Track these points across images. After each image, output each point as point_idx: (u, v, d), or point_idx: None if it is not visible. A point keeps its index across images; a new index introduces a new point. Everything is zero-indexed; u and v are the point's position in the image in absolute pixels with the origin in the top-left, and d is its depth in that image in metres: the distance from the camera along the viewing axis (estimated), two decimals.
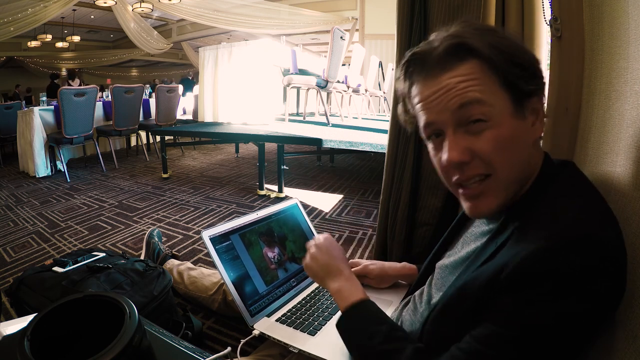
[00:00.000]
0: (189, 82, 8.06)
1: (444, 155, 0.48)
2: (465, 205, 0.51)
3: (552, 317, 0.40)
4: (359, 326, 0.59)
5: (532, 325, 0.40)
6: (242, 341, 0.74)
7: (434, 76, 0.49)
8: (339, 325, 0.62)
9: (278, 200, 2.58)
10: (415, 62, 0.51)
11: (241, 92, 3.71)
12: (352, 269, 0.78)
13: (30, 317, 0.48)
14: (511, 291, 0.42)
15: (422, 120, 0.51)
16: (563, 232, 0.41)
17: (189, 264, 1.37)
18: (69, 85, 4.36)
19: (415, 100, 0.52)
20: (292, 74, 3.59)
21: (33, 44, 9.90)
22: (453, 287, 0.51)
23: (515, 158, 0.48)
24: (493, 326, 0.43)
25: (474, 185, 0.49)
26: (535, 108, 0.49)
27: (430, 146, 0.53)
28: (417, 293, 0.68)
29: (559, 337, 0.40)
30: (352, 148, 2.38)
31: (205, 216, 2.29)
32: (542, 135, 0.51)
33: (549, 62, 0.85)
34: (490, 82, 0.47)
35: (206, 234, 0.84)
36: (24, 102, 5.32)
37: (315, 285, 0.95)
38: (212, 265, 1.28)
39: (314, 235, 1.07)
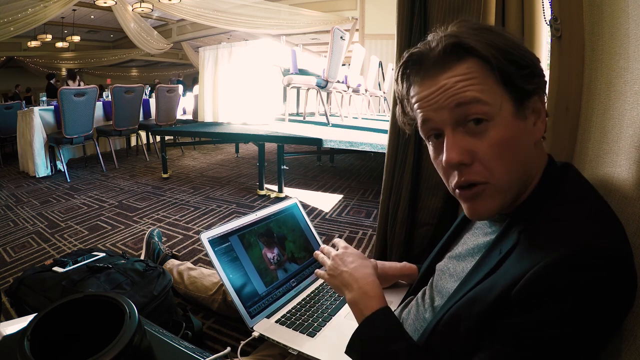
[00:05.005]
0: (177, 83, 8.05)
1: (444, 156, 0.47)
2: (464, 206, 0.50)
3: (569, 334, 0.38)
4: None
5: (547, 343, 0.38)
6: (242, 342, 0.74)
7: (432, 77, 0.48)
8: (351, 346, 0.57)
9: (278, 200, 2.58)
10: (413, 63, 0.50)
11: (241, 92, 3.71)
12: None
13: (30, 317, 0.48)
14: (524, 309, 0.40)
15: (419, 118, 0.50)
16: (578, 242, 0.39)
17: (189, 264, 1.37)
18: (67, 86, 4.33)
19: (413, 100, 0.51)
20: (292, 74, 3.59)
21: (33, 44, 9.91)
22: (459, 299, 0.49)
23: (515, 163, 0.46)
24: (505, 348, 0.41)
25: (473, 187, 0.47)
26: (536, 108, 0.48)
27: (430, 148, 0.52)
28: (419, 294, 0.67)
29: (576, 352, 0.38)
30: (352, 148, 2.38)
31: (205, 216, 2.29)
32: (544, 135, 0.50)
33: (549, 62, 0.85)
34: (490, 81, 0.45)
35: (205, 236, 0.84)
36: (24, 102, 5.31)
37: (315, 285, 0.94)
38: (212, 265, 1.28)
39: (314, 235, 1.07)
